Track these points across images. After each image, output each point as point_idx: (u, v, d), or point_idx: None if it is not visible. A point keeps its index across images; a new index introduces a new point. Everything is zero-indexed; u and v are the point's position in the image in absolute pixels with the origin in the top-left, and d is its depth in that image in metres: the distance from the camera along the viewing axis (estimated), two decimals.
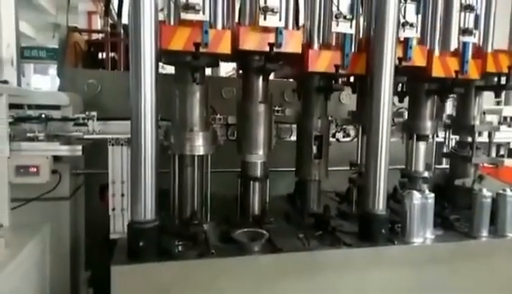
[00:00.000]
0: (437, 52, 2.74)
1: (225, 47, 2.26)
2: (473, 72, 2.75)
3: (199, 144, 2.47)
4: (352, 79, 3.16)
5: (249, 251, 2.25)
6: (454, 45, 2.80)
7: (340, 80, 2.74)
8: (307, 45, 2.56)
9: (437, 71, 2.68)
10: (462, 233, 2.62)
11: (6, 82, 2.45)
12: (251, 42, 2.31)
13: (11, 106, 2.47)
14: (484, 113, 3.21)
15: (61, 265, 2.82)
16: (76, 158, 2.85)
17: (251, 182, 2.73)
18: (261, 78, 2.67)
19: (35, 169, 2.48)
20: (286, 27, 2.38)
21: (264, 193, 2.79)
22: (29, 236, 2.30)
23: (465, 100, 3.15)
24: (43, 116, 2.68)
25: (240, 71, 3.05)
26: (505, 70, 2.80)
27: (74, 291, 3.06)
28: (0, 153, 2.22)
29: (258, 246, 2.26)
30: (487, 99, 3.27)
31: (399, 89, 3.12)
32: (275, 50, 2.30)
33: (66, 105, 2.93)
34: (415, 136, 2.99)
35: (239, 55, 2.47)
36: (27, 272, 2.19)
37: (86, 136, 2.65)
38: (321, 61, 2.50)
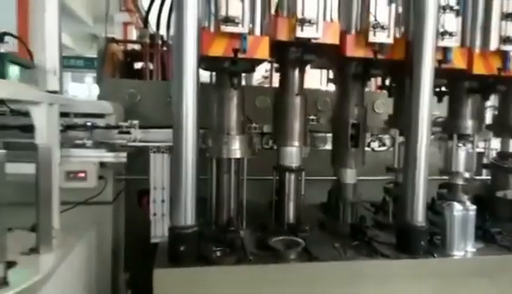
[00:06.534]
0: (477, 50, 2.62)
1: (263, 53, 2.29)
2: None
3: (235, 148, 2.53)
4: (387, 82, 3.12)
5: (285, 258, 2.27)
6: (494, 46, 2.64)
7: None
8: (344, 32, 2.48)
9: (479, 68, 2.59)
10: (504, 246, 2.53)
11: (56, 92, 2.60)
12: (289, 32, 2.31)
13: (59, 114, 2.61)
14: None
15: (104, 266, 2.95)
16: (118, 164, 2.97)
17: (286, 173, 2.74)
18: (297, 70, 2.72)
19: (83, 174, 2.62)
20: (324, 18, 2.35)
21: (299, 188, 2.78)
22: (78, 238, 2.41)
23: (508, 99, 3.06)
24: (89, 124, 2.83)
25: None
26: None
27: (114, 292, 3.18)
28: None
29: (295, 254, 2.29)
30: None
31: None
32: (312, 41, 2.31)
33: (110, 114, 3.07)
34: (455, 137, 2.88)
35: (276, 49, 2.46)
36: (76, 272, 2.31)
37: (129, 144, 2.77)
38: (359, 46, 2.43)
